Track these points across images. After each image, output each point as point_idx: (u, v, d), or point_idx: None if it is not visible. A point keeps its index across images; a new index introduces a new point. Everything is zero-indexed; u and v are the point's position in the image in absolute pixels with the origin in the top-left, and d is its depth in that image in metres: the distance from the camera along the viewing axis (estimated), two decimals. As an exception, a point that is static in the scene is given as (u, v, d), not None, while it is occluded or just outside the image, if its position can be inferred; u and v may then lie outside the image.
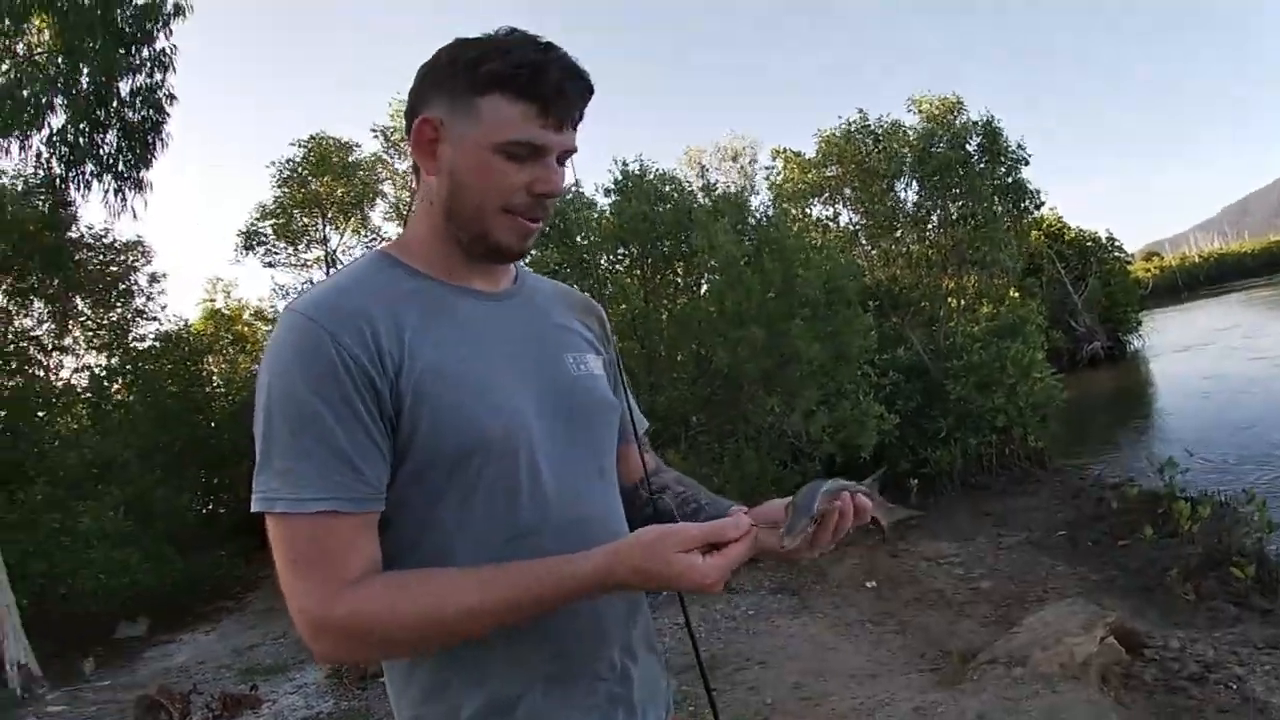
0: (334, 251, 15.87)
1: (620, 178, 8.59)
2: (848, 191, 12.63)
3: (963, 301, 12.39)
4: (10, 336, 11.03)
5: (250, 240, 15.29)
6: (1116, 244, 22.65)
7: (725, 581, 1.08)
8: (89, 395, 11.68)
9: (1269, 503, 6.57)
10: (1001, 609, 6.06)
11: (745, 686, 4.98)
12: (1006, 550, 7.31)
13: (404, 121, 1.24)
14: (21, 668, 7.22)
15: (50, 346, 11.45)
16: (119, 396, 12.13)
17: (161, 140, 10.03)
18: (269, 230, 15.37)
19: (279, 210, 15.30)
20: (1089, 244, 21.65)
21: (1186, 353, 19.93)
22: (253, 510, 1.07)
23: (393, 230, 16.11)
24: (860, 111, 12.54)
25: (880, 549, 7.61)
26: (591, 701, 1.24)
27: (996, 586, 6.53)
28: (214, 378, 14.24)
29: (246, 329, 16.43)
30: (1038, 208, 13.84)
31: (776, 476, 8.00)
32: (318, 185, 15.30)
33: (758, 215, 9.37)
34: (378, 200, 16.23)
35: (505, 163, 1.15)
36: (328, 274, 15.57)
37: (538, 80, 1.14)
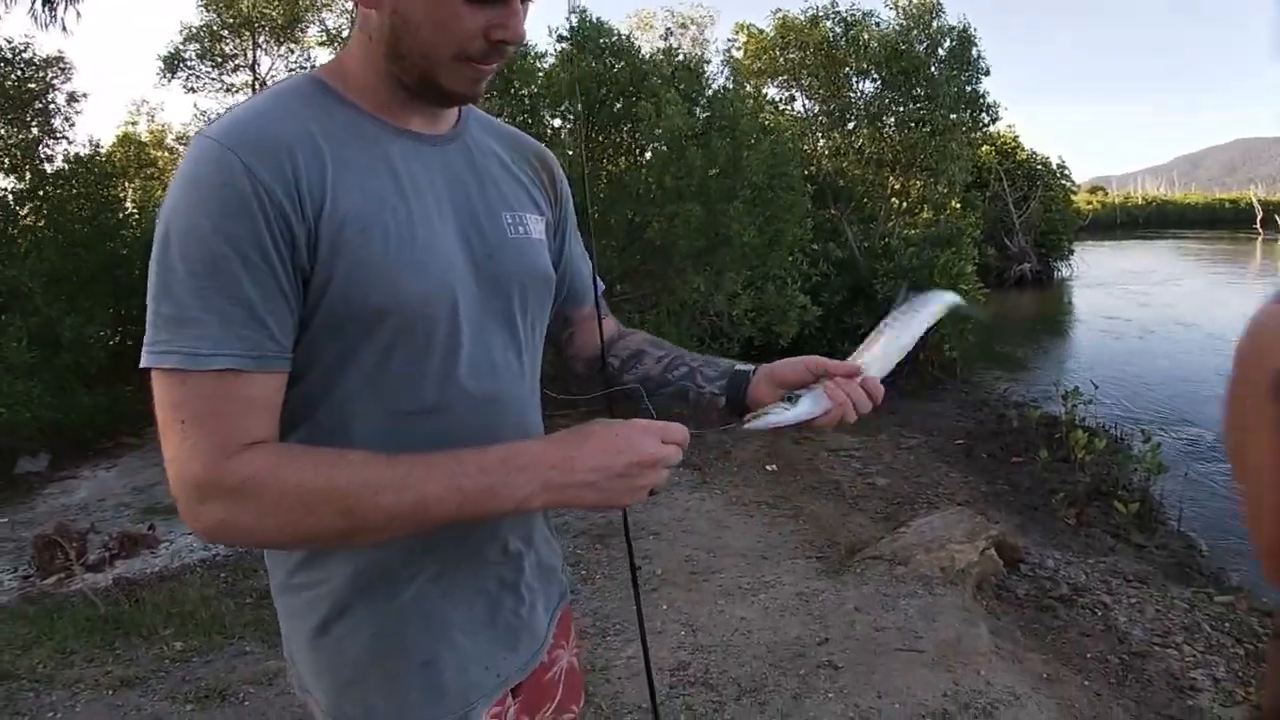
0: (264, 77, 14.98)
1: (576, 27, 8.21)
2: (806, 78, 12.34)
3: (904, 204, 12.36)
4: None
5: (172, 63, 14.37)
6: (1066, 172, 22.80)
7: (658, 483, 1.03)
8: (-6, 219, 10.92)
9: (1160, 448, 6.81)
10: (892, 507, 6.21)
11: (638, 555, 4.99)
12: (905, 451, 7.48)
13: None
14: (-85, 503, 6.87)
15: (-45, 166, 10.53)
16: (26, 221, 11.35)
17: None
18: (192, 53, 14.43)
19: (205, 33, 14.33)
20: (1038, 168, 21.70)
21: (1108, 289, 20.34)
22: (141, 365, 0.94)
23: (328, 58, 15.30)
24: (830, -5, 12.17)
25: (785, 433, 7.72)
26: (478, 585, 1.18)
27: (891, 485, 6.68)
28: (128, 203, 13.47)
29: (167, 154, 15.73)
30: (994, 122, 13.79)
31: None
32: (247, 6, 14.31)
33: (713, 89, 9.11)
34: (312, 25, 15.00)
35: (461, 6, 0.98)
36: (254, 100, 14.98)
37: None
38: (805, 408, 1.14)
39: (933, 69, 11.68)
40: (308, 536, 0.98)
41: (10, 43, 11.03)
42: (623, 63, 8.15)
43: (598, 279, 1.41)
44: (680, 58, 8.95)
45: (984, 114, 12.98)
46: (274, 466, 0.93)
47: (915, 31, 11.92)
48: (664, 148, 7.98)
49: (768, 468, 6.86)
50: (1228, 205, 49.97)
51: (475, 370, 1.10)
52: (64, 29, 9.70)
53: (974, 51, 12.15)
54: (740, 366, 1.28)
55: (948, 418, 8.90)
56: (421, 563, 1.12)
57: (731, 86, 9.72)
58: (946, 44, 12.05)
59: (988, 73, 12.44)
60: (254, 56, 14.79)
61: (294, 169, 0.96)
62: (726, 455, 7.07)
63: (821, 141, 12.53)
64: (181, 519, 0.96)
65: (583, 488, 0.98)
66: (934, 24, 12.10)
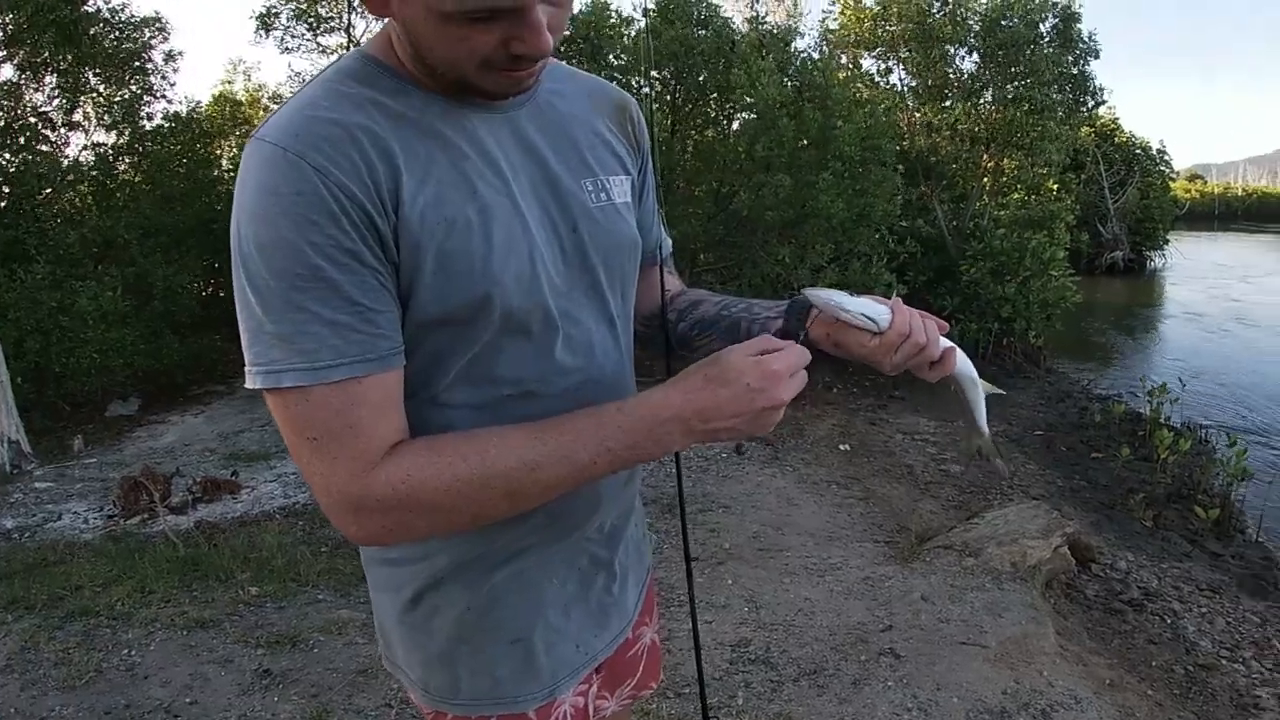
0: (358, 39, 15.05)
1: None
2: (903, 50, 12.07)
3: (997, 184, 12.08)
4: (19, 112, 10.51)
5: (266, 21, 14.16)
6: (1165, 158, 22.00)
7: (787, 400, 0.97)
8: (95, 173, 11.26)
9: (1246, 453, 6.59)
10: (965, 495, 6.12)
11: (706, 528, 5.03)
12: (982, 439, 7.36)
13: None
14: (12, 444, 7.21)
15: (59, 123, 10.90)
16: (125, 176, 11.76)
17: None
18: (287, 13, 14.19)
19: (299, -11, 14.23)
20: (1137, 152, 20.99)
21: (1203, 283, 19.60)
22: (250, 387, 0.90)
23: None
24: (929, -31, 11.83)
25: (860, 414, 7.67)
26: (572, 562, 1.18)
27: (965, 473, 6.58)
28: (223, 161, 13.72)
29: (262, 113, 15.96)
30: (1098, 105, 13.38)
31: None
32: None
33: (803, 57, 8.98)
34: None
35: (467, 28, 0.87)
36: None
37: None
38: (868, 305, 1.06)
39: (1035, 45, 11.32)
40: (472, 522, 0.98)
41: (109, 3, 11.28)
42: (708, 30, 8.06)
43: (665, 235, 1.37)
44: (768, 26, 8.82)
45: (1088, 97, 12.61)
46: (422, 468, 0.91)
47: (1016, 6, 11.55)
48: (755, 117, 7.90)
49: (841, 447, 6.82)
50: (1332, 201, 47.47)
51: (571, 350, 1.07)
52: (162, -13, 9.76)
53: (1080, 29, 11.76)
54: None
55: (1029, 407, 8.72)
56: (522, 541, 1.10)
57: (819, 57, 9.54)
58: (1048, 20, 11.64)
59: (1097, 55, 12.07)
60: (349, 19, 14.81)
61: (365, 162, 0.90)
62: (800, 432, 7.04)
63: (916, 116, 12.26)
64: (342, 532, 0.95)
65: (721, 432, 0.97)
66: (1034, -1, 11.72)
